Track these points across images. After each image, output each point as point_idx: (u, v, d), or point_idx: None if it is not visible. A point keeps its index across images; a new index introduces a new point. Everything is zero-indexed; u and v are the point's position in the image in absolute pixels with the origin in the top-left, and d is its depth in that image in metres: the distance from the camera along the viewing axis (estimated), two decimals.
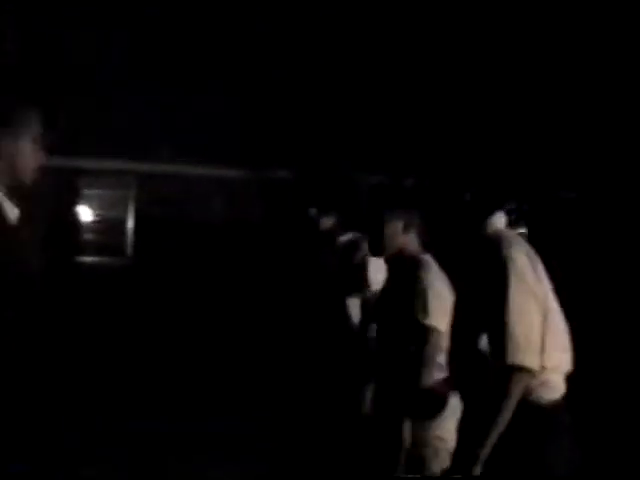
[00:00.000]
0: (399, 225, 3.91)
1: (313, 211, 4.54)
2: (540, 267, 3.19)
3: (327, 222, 4.50)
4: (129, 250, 15.47)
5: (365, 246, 4.10)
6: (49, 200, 13.38)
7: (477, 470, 3.06)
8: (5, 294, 2.80)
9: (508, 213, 3.41)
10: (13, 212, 2.99)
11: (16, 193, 3.00)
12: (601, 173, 14.42)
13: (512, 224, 10.43)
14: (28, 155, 3.02)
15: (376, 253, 4.15)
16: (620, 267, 13.21)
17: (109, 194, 15.92)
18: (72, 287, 13.30)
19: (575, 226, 14.35)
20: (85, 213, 16.14)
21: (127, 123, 13.90)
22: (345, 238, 4.50)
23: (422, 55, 14.77)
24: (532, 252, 3.19)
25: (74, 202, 15.12)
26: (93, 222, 16.15)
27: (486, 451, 3.05)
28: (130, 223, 15.67)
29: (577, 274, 12.70)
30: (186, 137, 13.61)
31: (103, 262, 15.12)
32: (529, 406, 3.05)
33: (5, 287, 2.81)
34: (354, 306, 4.77)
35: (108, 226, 15.98)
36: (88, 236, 15.70)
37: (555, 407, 3.13)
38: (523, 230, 11.39)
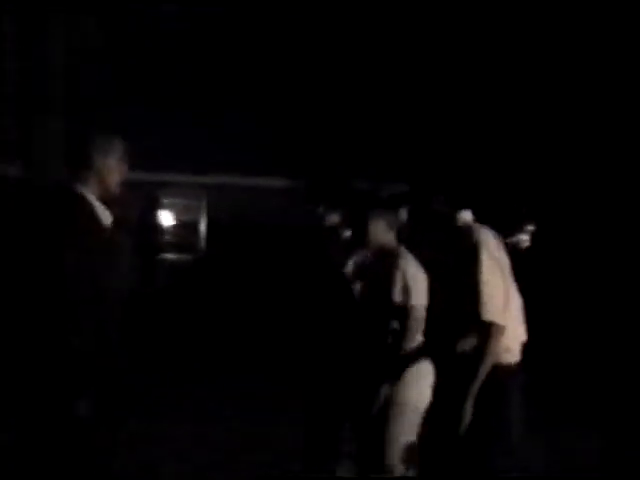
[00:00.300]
0: (382, 224, 4.15)
1: (321, 209, 4.62)
2: (502, 251, 3.67)
3: (333, 218, 4.58)
4: (201, 248, 17.27)
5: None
6: (137, 208, 15.36)
7: (469, 409, 3.45)
8: (104, 283, 3.15)
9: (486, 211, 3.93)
10: (106, 216, 3.28)
11: (106, 201, 3.32)
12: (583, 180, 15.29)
13: (522, 223, 12.46)
14: (114, 170, 3.30)
15: (361, 246, 4.40)
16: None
17: (185, 203, 17.77)
18: (157, 278, 15.13)
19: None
20: (166, 218, 17.96)
21: (199, 145, 15.75)
22: (348, 233, 4.61)
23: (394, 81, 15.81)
24: (496, 238, 3.69)
25: (157, 209, 16.65)
26: (173, 226, 18.14)
27: (474, 394, 3.46)
28: (202, 226, 17.50)
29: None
30: (245, 155, 15.35)
31: (181, 258, 16.93)
32: (494, 368, 3.49)
33: (103, 277, 3.14)
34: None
35: (185, 229, 17.90)
36: (168, 237, 17.48)
37: (514, 369, 3.57)
38: (532, 227, 13.39)
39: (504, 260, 3.67)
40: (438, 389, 3.72)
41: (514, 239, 17.33)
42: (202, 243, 17.36)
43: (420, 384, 3.94)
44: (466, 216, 3.80)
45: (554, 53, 15.33)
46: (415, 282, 4.04)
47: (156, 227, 16.88)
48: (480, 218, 12.61)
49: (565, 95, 15.32)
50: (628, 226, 14.48)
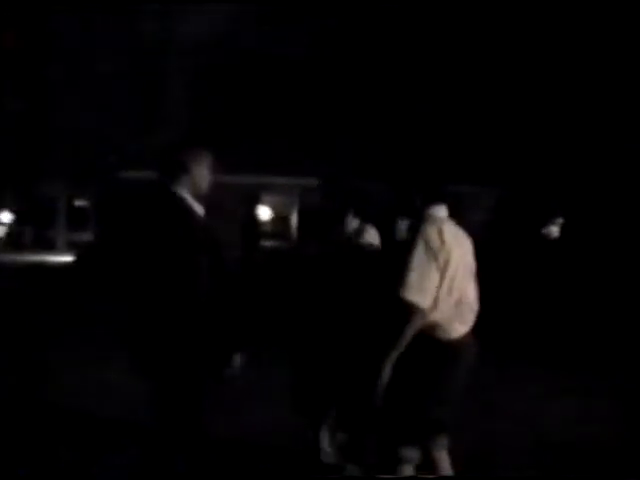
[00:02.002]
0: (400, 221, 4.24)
1: (332, 204, 4.86)
2: (458, 240, 3.88)
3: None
4: (293, 237, 19.59)
5: (370, 231, 4.76)
6: (242, 204, 18.17)
7: (386, 373, 3.78)
8: (198, 266, 3.60)
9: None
10: (200, 210, 3.78)
11: (199, 199, 3.80)
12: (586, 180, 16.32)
13: (552, 215, 15.30)
14: (206, 175, 3.80)
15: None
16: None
17: (280, 200, 20.14)
18: (258, 260, 17.47)
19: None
20: (265, 212, 20.81)
21: (293, 154, 18.30)
22: (355, 224, 4.81)
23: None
24: (458, 234, 3.90)
25: (258, 205, 19.31)
26: (270, 218, 20.79)
27: (388, 367, 3.77)
28: (294, 219, 19.82)
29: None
30: (331, 163, 16.70)
31: (276, 245, 19.27)
32: (432, 342, 3.79)
33: (197, 260, 3.59)
34: None
35: (280, 221, 20.28)
36: (266, 228, 20.14)
37: (450, 345, 3.80)
38: (561, 220, 16.33)
39: (454, 254, 3.81)
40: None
41: (545, 230, 19.74)
42: (293, 233, 19.70)
43: None
44: (436, 211, 3.90)
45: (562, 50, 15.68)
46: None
47: (257, 220, 19.62)
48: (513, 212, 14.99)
49: (594, 95, 15.78)
50: None
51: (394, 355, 3.74)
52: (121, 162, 20.20)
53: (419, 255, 3.70)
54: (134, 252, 3.80)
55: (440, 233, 3.76)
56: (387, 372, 3.77)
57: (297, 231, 19.51)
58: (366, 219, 4.85)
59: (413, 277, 3.68)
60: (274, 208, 20.85)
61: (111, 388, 6.35)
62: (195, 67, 18.73)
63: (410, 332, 3.71)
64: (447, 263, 3.73)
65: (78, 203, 29.79)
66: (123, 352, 3.68)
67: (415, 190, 3.94)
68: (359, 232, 4.74)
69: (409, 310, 3.68)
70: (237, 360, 3.74)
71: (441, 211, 3.90)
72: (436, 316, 3.73)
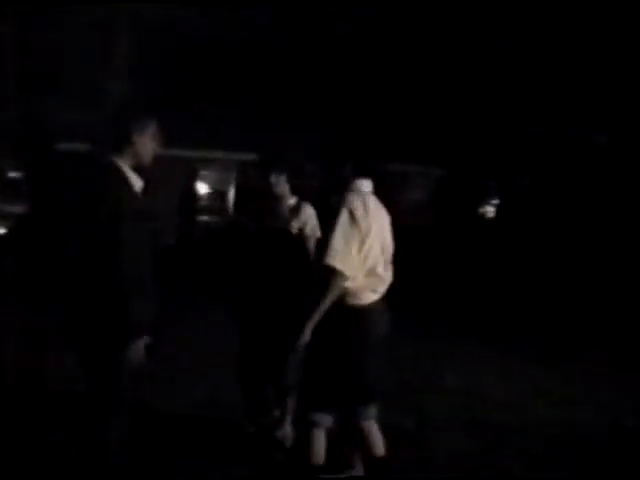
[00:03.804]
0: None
1: (272, 179, 4.86)
2: (379, 215, 4.02)
3: (281, 188, 4.83)
4: (230, 212, 19.70)
5: (307, 208, 4.85)
6: (180, 178, 17.71)
7: (303, 342, 3.90)
8: (134, 242, 3.52)
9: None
10: (138, 183, 3.68)
11: (139, 171, 3.72)
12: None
13: (488, 196, 15.81)
14: (148, 146, 3.71)
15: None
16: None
17: (218, 175, 20.29)
18: (194, 235, 17.59)
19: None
20: (202, 187, 20.68)
21: (231, 129, 18.32)
22: (293, 200, 4.87)
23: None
24: (376, 206, 4.03)
25: (195, 180, 19.29)
26: (207, 193, 20.74)
27: (308, 332, 3.88)
28: (231, 194, 20.01)
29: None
30: (266, 137, 16.08)
31: (213, 220, 19.42)
32: (344, 308, 3.88)
33: (134, 236, 3.51)
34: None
35: (217, 196, 20.39)
36: (204, 203, 20.13)
37: (362, 311, 3.90)
38: (496, 200, 16.96)
39: (374, 224, 3.93)
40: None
41: (481, 210, 20.31)
42: (230, 208, 19.85)
43: None
44: (362, 185, 4.02)
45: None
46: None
47: (194, 194, 19.55)
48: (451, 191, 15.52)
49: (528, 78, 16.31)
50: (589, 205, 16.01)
51: (315, 319, 3.86)
52: (56, 134, 19.68)
53: (343, 223, 3.82)
54: (67, 224, 3.78)
55: (364, 203, 3.90)
56: (307, 335, 3.89)
57: (234, 207, 19.57)
58: (303, 196, 4.92)
59: (338, 245, 3.80)
60: (211, 183, 20.70)
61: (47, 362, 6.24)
62: (136, 42, 17.99)
63: (331, 297, 3.81)
64: (368, 233, 3.86)
65: (11, 174, 29.00)
66: (57, 325, 3.67)
67: (344, 162, 4.04)
68: (296, 210, 4.82)
69: (331, 276, 3.79)
70: (139, 345, 3.58)
71: (366, 185, 4.02)
72: (350, 283, 3.85)
